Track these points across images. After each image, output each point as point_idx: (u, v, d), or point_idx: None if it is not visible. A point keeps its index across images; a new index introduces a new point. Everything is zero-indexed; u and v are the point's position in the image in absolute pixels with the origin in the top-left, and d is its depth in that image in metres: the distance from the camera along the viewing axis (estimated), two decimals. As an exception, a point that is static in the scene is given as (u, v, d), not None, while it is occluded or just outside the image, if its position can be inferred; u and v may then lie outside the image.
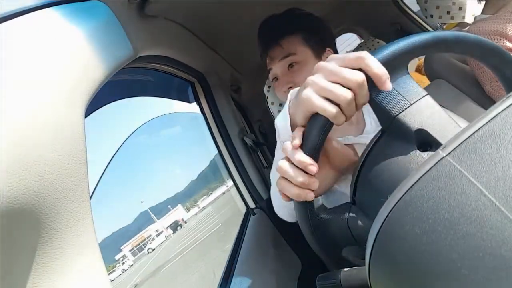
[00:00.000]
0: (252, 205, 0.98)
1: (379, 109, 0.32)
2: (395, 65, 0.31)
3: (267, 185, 1.01)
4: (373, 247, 0.24)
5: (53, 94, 0.28)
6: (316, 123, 0.32)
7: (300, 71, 0.68)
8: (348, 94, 0.30)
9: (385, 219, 0.23)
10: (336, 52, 0.75)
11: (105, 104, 0.69)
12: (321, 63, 0.33)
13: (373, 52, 0.31)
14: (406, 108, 0.31)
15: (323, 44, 0.72)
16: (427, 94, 0.31)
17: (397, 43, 0.31)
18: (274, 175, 0.56)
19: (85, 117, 0.32)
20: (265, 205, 0.95)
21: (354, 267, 0.36)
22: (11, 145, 0.23)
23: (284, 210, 0.58)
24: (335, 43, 0.78)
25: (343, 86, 0.30)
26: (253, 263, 0.73)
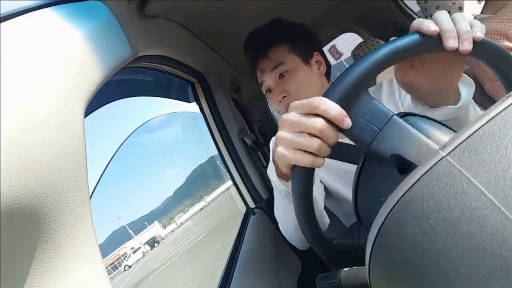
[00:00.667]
0: (252, 205, 0.98)
1: (354, 138, 0.32)
2: (353, 96, 0.31)
3: (267, 185, 1.01)
4: (373, 247, 0.24)
5: (53, 94, 0.28)
6: (298, 174, 0.33)
7: (291, 80, 0.69)
8: (315, 142, 0.31)
9: (385, 219, 0.23)
10: (324, 55, 0.77)
11: (105, 104, 0.69)
12: (283, 116, 0.34)
13: (326, 92, 0.32)
14: (376, 135, 0.31)
15: (310, 50, 0.74)
16: (393, 115, 0.31)
17: (346, 75, 0.31)
18: (280, 205, 0.55)
19: (85, 117, 0.32)
20: (265, 205, 0.95)
21: (354, 267, 0.36)
22: (11, 145, 0.23)
23: (299, 240, 0.59)
24: (322, 47, 0.80)
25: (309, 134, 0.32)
26: (253, 263, 0.73)
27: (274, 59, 0.70)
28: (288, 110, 0.34)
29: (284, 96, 0.69)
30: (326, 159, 0.33)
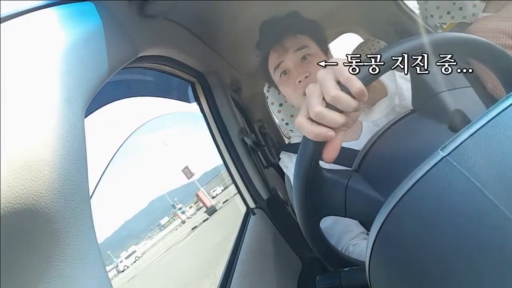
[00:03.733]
0: (252, 205, 0.98)
1: (420, 83, 0.34)
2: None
3: (267, 185, 1.00)
4: (373, 247, 0.24)
5: (53, 94, 0.28)
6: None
7: (313, 63, 0.69)
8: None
9: (385, 219, 0.23)
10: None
11: (105, 104, 0.69)
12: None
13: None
14: (449, 90, 0.32)
15: (326, 46, 0.76)
16: (470, 86, 0.33)
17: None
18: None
19: (85, 117, 0.32)
20: (265, 205, 0.95)
21: (354, 267, 0.36)
22: (11, 145, 0.23)
23: None
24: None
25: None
26: (253, 263, 0.73)
27: (300, 40, 0.70)
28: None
29: (307, 76, 0.68)
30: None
